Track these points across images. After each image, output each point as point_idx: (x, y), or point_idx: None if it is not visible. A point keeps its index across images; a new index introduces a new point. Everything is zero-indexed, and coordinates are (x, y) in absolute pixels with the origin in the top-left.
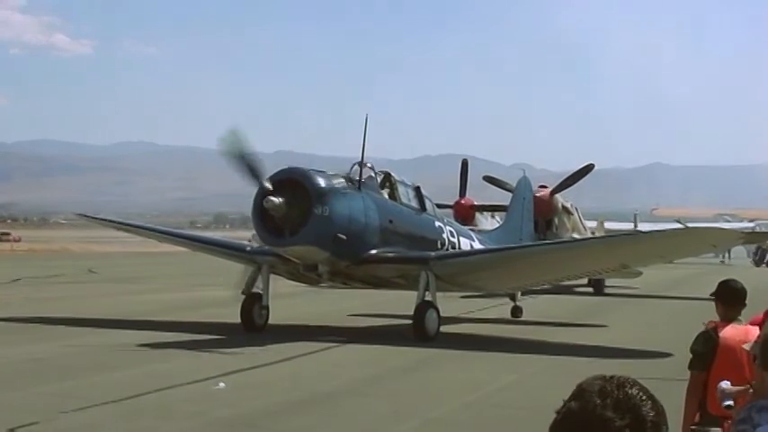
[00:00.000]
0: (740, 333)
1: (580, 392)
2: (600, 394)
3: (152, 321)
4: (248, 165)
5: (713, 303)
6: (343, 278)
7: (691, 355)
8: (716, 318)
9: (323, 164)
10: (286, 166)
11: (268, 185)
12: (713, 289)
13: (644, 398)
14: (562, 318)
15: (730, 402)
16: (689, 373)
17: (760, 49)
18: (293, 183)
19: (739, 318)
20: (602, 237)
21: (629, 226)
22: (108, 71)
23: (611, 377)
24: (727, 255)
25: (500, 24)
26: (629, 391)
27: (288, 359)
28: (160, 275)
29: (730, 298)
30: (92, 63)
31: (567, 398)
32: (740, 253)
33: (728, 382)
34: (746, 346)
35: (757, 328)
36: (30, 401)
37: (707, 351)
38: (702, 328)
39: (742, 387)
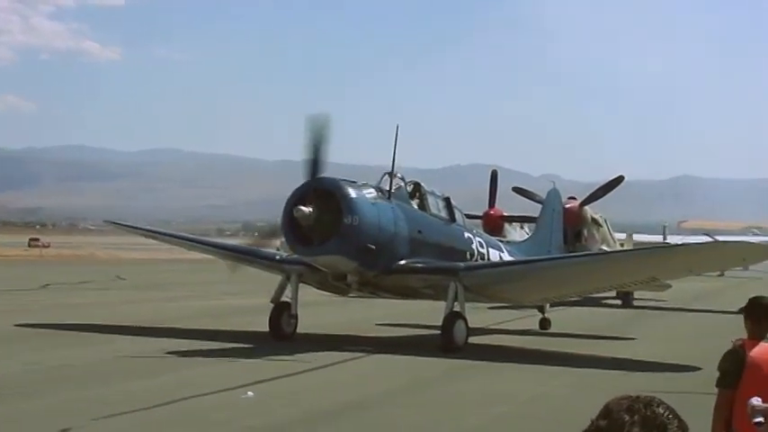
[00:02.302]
0: (766, 352)
1: (608, 411)
2: (628, 412)
3: (180, 329)
4: (315, 156)
5: (741, 317)
6: (371, 288)
7: (718, 373)
8: (744, 333)
9: (351, 173)
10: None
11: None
12: (740, 302)
13: (670, 416)
14: (590, 330)
15: (761, 419)
16: (717, 389)
17: None
18: (323, 192)
19: (765, 335)
20: (632, 249)
21: (657, 238)
22: (136, 78)
23: (638, 396)
24: None
25: (526, 33)
26: (657, 410)
27: (316, 368)
28: (188, 283)
29: (760, 314)
30: (120, 69)
31: (594, 417)
32: (766, 266)
33: (759, 399)
34: (755, 401)
35: None
36: (60, 408)
37: (735, 369)
38: (730, 346)
39: None
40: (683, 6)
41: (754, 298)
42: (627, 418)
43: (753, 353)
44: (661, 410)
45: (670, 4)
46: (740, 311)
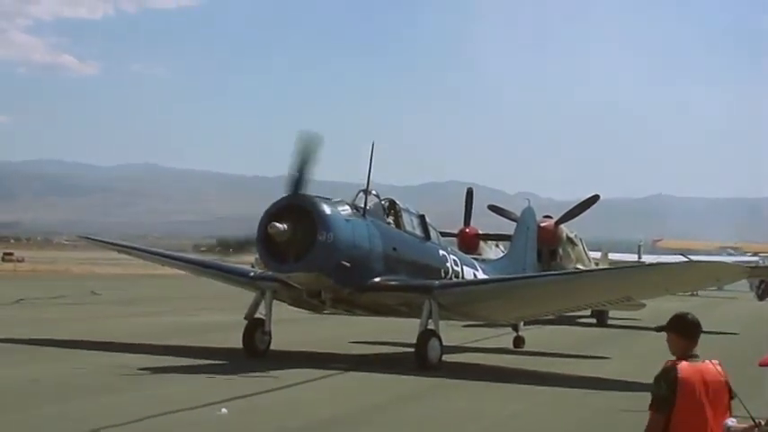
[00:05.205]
0: (698, 372)
1: None
2: None
3: (154, 345)
4: (300, 173)
5: (709, 336)
6: (346, 305)
7: (656, 395)
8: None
9: (326, 189)
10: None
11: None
12: (714, 323)
13: None
14: (564, 349)
15: None
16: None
17: (765, 81)
18: (298, 209)
19: (695, 353)
20: (607, 269)
21: (632, 257)
22: (114, 92)
23: None
24: None
25: (503, 49)
26: None
27: (290, 386)
28: (162, 298)
29: (692, 332)
30: (99, 84)
31: None
32: (743, 286)
33: (735, 420)
34: (730, 422)
35: (710, 364)
36: (31, 424)
37: (670, 392)
38: (667, 365)
39: (747, 425)
40: (658, 21)
41: (683, 315)
42: None
43: (685, 375)
44: None
45: (644, 20)
46: (660, 330)
